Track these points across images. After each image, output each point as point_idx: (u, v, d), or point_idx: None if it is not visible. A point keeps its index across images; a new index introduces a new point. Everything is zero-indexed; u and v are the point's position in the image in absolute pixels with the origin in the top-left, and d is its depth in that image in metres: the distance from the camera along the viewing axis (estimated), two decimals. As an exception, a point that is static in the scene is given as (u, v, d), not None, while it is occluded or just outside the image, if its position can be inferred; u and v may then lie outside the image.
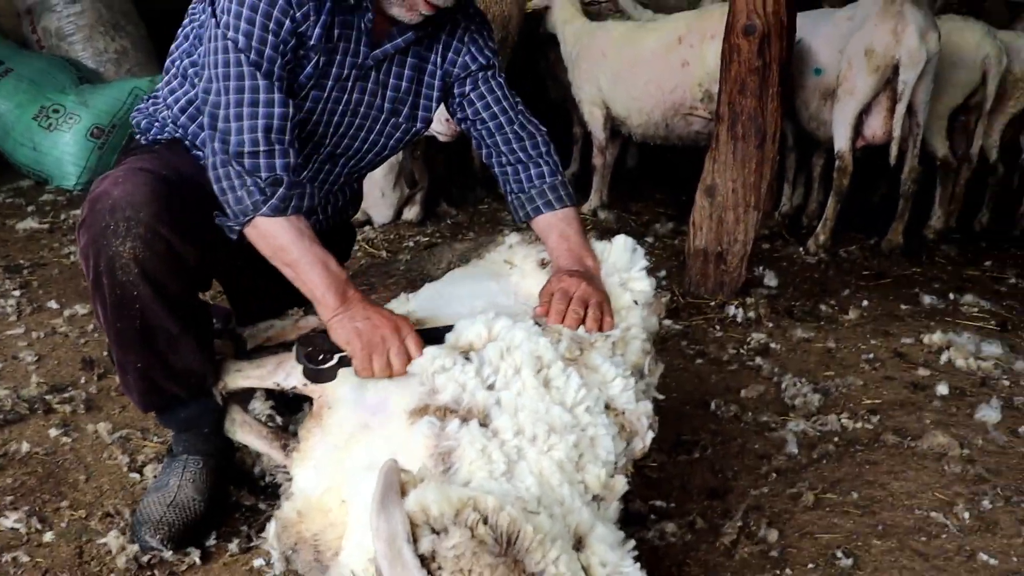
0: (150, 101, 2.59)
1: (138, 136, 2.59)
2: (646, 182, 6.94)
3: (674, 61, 5.22)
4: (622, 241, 2.53)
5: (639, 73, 5.39)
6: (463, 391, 1.95)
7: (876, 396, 3.45)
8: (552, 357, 2.02)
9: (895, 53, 4.84)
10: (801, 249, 5.30)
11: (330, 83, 2.37)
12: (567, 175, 6.58)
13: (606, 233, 5.32)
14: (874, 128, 5.07)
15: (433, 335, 2.12)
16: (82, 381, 3.18)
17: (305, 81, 2.32)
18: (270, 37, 2.17)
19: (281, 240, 2.13)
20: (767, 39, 3.95)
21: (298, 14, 2.20)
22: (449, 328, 2.13)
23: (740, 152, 4.12)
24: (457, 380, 1.96)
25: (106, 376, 3.20)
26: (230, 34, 2.14)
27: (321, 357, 2.10)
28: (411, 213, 5.35)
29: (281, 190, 2.13)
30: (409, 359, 2.04)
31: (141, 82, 6.00)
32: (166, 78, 2.50)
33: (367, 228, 5.20)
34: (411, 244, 5.03)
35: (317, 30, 2.26)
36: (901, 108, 4.92)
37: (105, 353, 3.29)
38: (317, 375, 2.10)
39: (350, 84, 2.42)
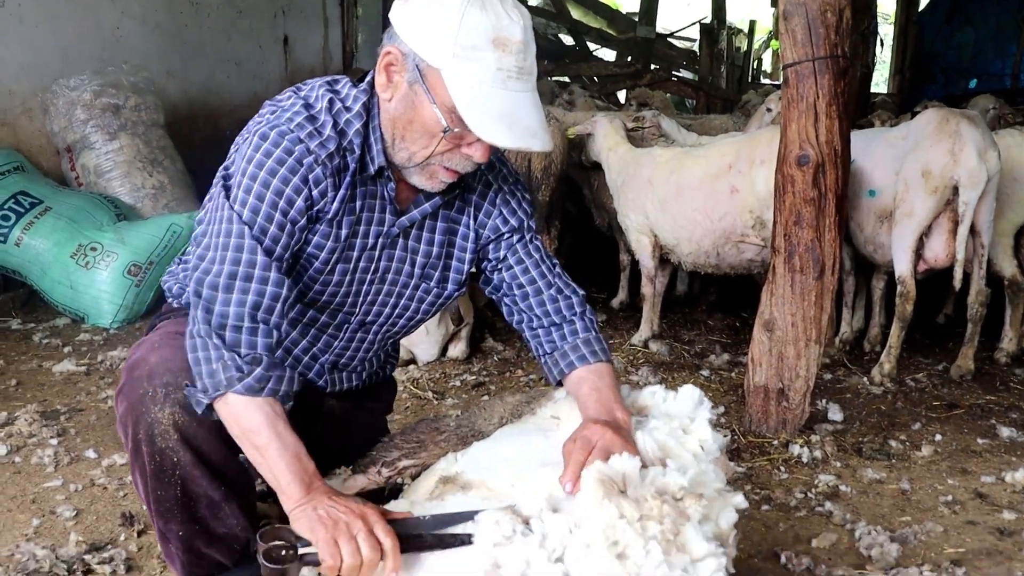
0: (180, 266, 2.57)
1: (170, 300, 2.56)
2: (697, 308, 6.79)
3: (723, 188, 5.11)
4: (689, 390, 2.43)
5: (687, 200, 5.29)
6: (528, 567, 1.84)
7: (959, 544, 3.22)
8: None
9: (953, 173, 4.69)
10: (865, 379, 5.06)
11: (355, 254, 2.33)
12: (616, 303, 6.58)
13: (659, 367, 5.25)
14: (936, 251, 4.88)
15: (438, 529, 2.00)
16: (122, 538, 3.07)
17: (328, 256, 2.28)
18: (277, 215, 2.14)
19: (252, 422, 2.04)
20: (822, 168, 3.84)
21: (314, 192, 2.17)
22: (466, 516, 1.99)
23: (798, 285, 3.96)
24: (521, 554, 1.85)
25: (146, 532, 3.09)
26: (236, 207, 2.13)
27: (284, 553, 1.91)
28: (456, 350, 5.22)
29: (259, 370, 2.05)
30: (380, 547, 1.88)
31: (179, 218, 6.04)
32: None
33: (411, 367, 5.08)
34: (457, 383, 4.89)
35: (335, 205, 2.22)
36: (963, 229, 4.74)
37: (145, 507, 3.19)
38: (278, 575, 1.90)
39: (377, 252, 2.37)
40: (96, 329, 5.65)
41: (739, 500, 2.14)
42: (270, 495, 2.68)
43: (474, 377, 5.00)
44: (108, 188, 6.49)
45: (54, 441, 3.87)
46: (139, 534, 3.09)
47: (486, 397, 4.64)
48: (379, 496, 2.49)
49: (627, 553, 1.85)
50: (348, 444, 2.64)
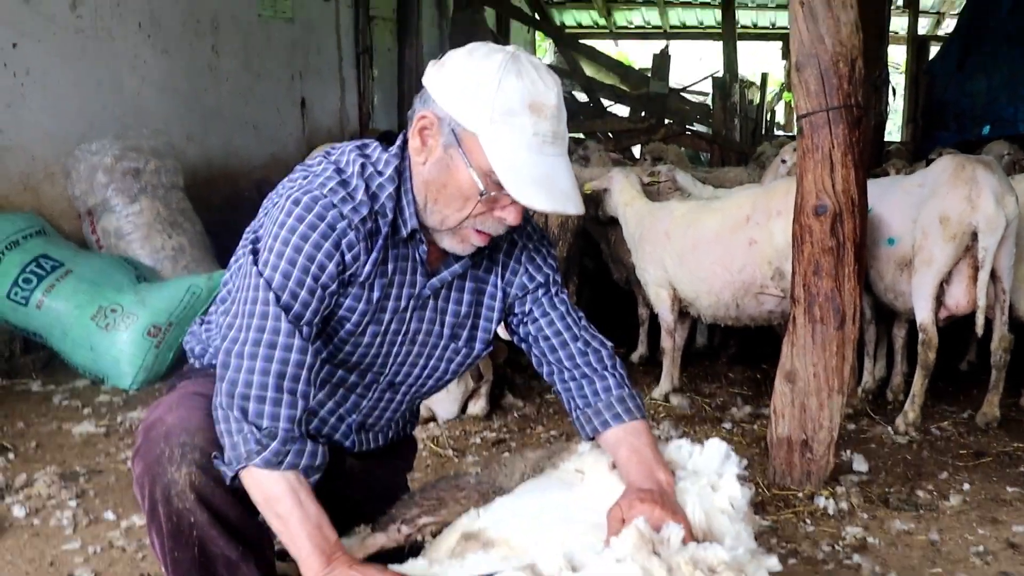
0: (203, 327, 2.58)
1: (192, 360, 2.57)
2: (717, 361, 6.76)
3: (741, 240, 5.10)
4: (715, 444, 2.42)
5: (705, 253, 5.28)
6: None
7: (992, 596, 3.15)
8: None
9: (971, 220, 4.67)
10: (890, 428, 5.00)
11: (387, 316, 2.33)
12: (636, 357, 6.55)
13: (680, 420, 5.20)
14: (957, 298, 4.85)
15: None
16: (140, 601, 3.02)
17: (360, 318, 2.27)
18: (308, 280, 2.13)
19: (274, 490, 2.05)
20: (840, 218, 3.83)
21: (348, 256, 2.17)
22: None
23: (819, 335, 3.93)
24: None
25: (163, 596, 3.05)
26: (267, 272, 2.12)
27: None
28: (476, 407, 5.19)
29: (275, 444, 2.05)
30: None
31: (198, 279, 6.05)
32: (222, 307, 2.48)
33: (431, 425, 5.05)
34: (477, 440, 4.85)
35: (367, 268, 2.22)
36: (984, 275, 4.71)
37: (162, 569, 3.16)
38: None
39: (408, 315, 2.37)
40: (116, 390, 5.64)
41: (773, 563, 2.09)
42: (287, 554, 2.67)
43: (494, 434, 4.97)
44: (128, 250, 6.54)
45: (73, 503, 3.85)
46: (157, 598, 3.05)
47: (507, 454, 4.56)
48: (399, 554, 2.43)
49: None
50: (368, 502, 2.61)
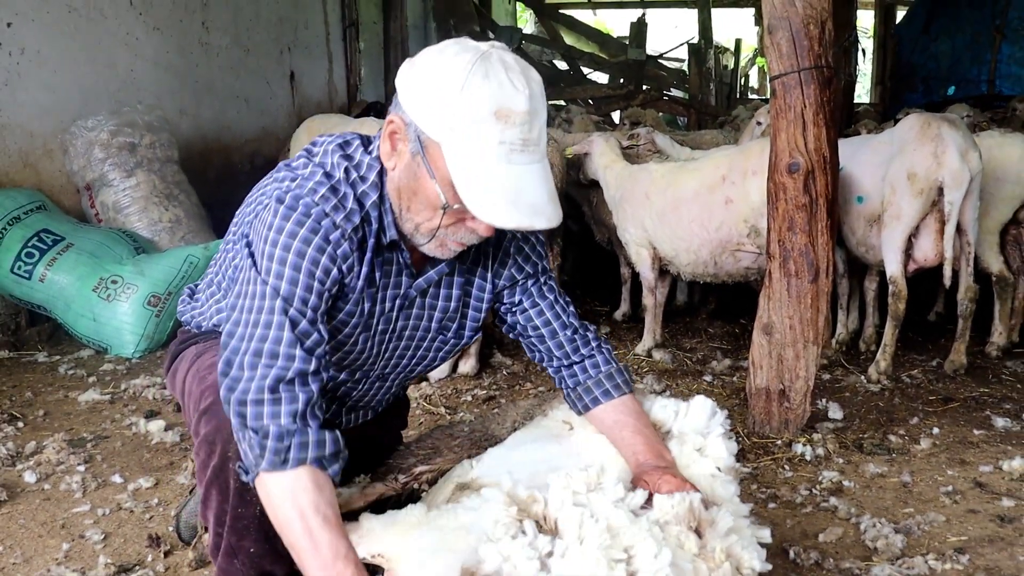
0: (192, 300, 2.65)
1: (188, 327, 2.64)
2: (697, 317, 6.91)
3: (718, 199, 5.23)
4: (700, 402, 2.50)
5: (683, 213, 5.40)
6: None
7: (961, 532, 3.30)
8: None
9: (938, 175, 4.82)
10: (863, 377, 5.18)
11: (375, 320, 2.31)
12: (619, 315, 6.69)
13: (663, 374, 5.37)
14: (925, 251, 5.01)
15: None
16: (149, 559, 3.13)
17: (352, 330, 2.28)
18: (316, 284, 2.07)
19: (284, 513, 1.96)
20: (812, 175, 3.94)
21: (343, 266, 2.13)
22: None
23: (794, 289, 4.06)
24: (502, 553, 1.92)
25: (172, 553, 3.16)
26: (272, 281, 2.05)
27: None
28: (466, 366, 5.31)
29: (270, 442, 1.95)
30: None
31: (195, 249, 6.15)
32: (210, 290, 2.53)
33: (423, 384, 5.16)
34: (469, 398, 4.97)
35: (360, 282, 2.19)
36: (950, 229, 4.87)
37: (170, 528, 3.28)
38: None
39: (395, 314, 2.35)
40: (119, 359, 5.73)
41: (765, 535, 2.17)
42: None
43: (485, 391, 5.07)
44: (127, 223, 6.63)
45: (81, 468, 3.93)
46: (166, 555, 3.14)
47: (497, 410, 4.69)
48: (397, 502, 2.53)
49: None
50: (364, 457, 2.68)
